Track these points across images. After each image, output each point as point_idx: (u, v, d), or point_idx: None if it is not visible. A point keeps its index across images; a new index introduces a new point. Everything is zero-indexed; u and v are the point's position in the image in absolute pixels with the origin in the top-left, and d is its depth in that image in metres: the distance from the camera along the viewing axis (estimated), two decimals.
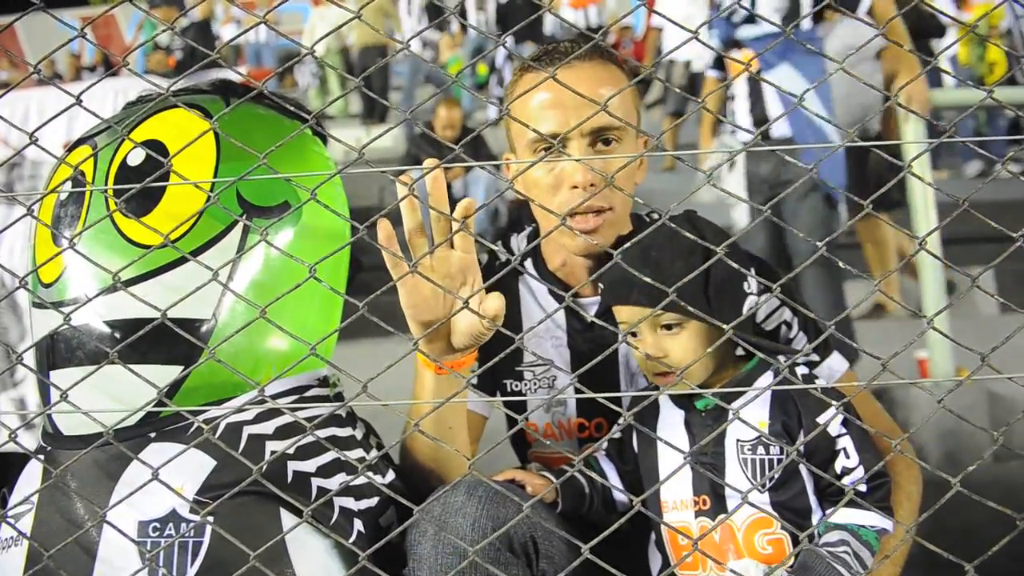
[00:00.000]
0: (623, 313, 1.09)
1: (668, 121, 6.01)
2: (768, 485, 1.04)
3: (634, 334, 1.09)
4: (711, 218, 1.15)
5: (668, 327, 1.06)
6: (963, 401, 2.90)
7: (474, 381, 1.21)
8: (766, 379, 1.07)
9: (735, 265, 0.86)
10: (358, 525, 1.00)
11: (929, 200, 3.12)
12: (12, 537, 0.98)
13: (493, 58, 7.53)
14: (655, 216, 1.26)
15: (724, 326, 0.80)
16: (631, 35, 8.63)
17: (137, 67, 7.70)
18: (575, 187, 1.15)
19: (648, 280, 0.85)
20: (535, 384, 1.27)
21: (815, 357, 1.19)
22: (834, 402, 0.91)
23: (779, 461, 1.03)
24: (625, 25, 8.48)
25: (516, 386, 1.28)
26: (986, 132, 5.66)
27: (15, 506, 0.98)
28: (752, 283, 1.08)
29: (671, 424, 1.10)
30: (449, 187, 5.63)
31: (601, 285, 1.11)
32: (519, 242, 1.33)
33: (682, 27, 0.92)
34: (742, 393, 1.05)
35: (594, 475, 0.95)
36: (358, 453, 1.04)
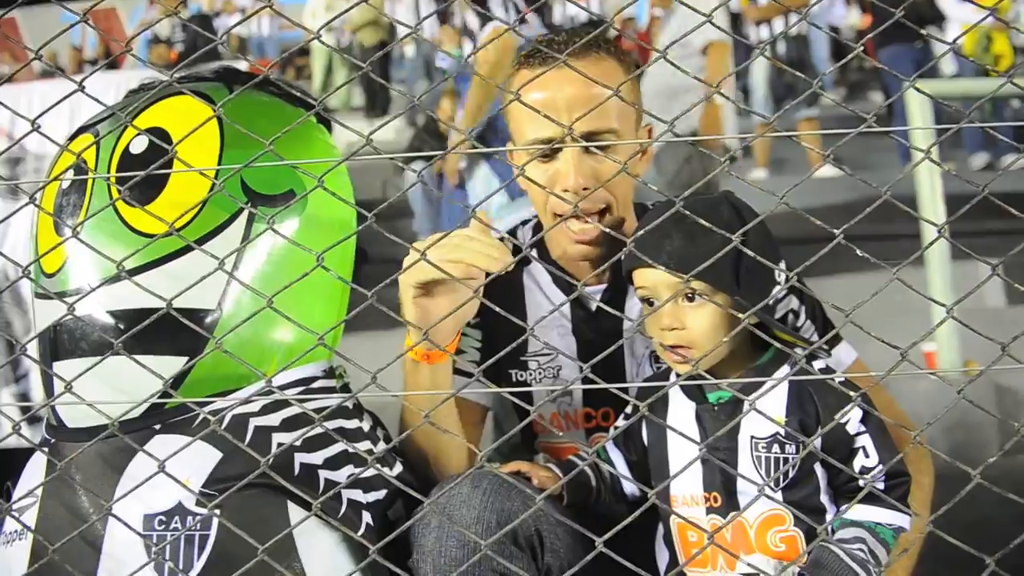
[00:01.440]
0: (646, 277, 1.04)
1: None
2: (783, 483, 1.01)
3: (651, 303, 1.04)
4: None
5: (691, 298, 1.01)
6: (971, 394, 2.88)
7: (480, 376, 1.20)
8: (782, 373, 1.04)
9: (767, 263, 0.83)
10: (366, 518, 0.99)
11: (937, 192, 3.10)
12: (17, 531, 0.97)
13: None
14: (658, 204, 1.24)
15: (736, 312, 0.78)
16: (634, 26, 8.58)
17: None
18: (566, 190, 1.13)
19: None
20: (540, 373, 1.25)
21: (823, 346, 1.17)
22: (862, 405, 0.86)
23: (795, 460, 0.99)
24: (628, 16, 8.43)
25: (521, 375, 1.27)
26: (995, 120, 5.62)
27: (19, 499, 0.97)
28: (782, 276, 1.04)
29: (682, 417, 1.06)
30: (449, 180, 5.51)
31: (622, 254, 1.06)
32: (524, 233, 1.32)
33: (695, 10, 0.90)
34: (756, 386, 1.01)
35: (602, 465, 0.93)
36: (366, 445, 1.03)
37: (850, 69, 7.75)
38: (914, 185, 3.16)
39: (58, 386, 0.93)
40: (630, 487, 1.12)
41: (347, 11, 0.95)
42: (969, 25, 0.97)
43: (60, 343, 1.02)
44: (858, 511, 0.99)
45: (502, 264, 0.99)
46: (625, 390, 1.18)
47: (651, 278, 1.04)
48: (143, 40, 8.63)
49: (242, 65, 1.23)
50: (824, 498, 1.03)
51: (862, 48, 0.82)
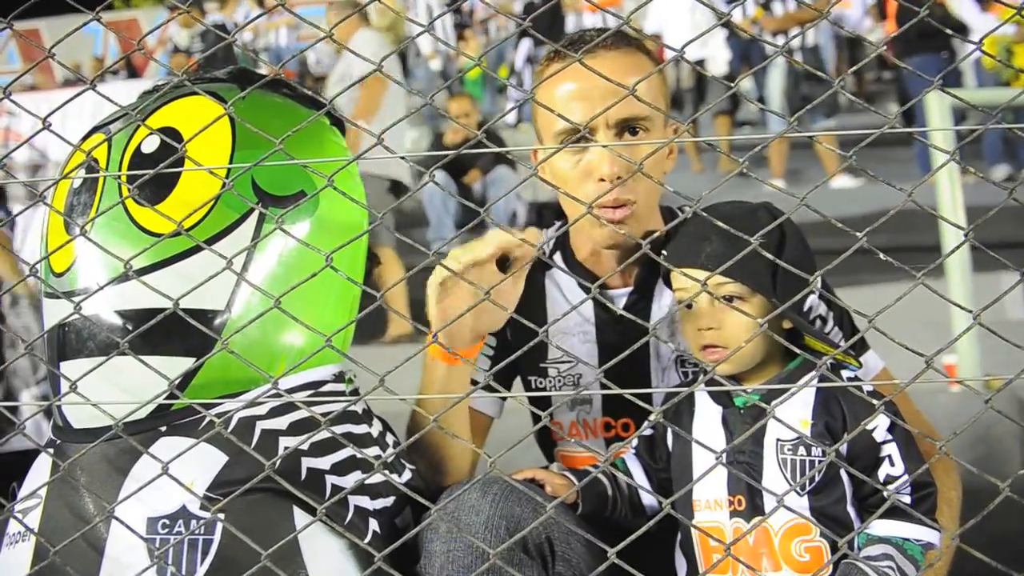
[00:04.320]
0: (685, 280, 1.05)
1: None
2: (809, 487, 0.99)
3: (689, 306, 1.05)
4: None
5: (730, 299, 1.02)
6: (994, 407, 2.83)
7: (489, 380, 1.20)
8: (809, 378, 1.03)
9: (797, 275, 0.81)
10: (373, 525, 0.97)
11: (958, 202, 3.06)
12: (20, 532, 0.96)
13: (513, 61, 7.52)
14: (687, 209, 1.22)
15: (755, 318, 0.76)
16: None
17: (159, 69, 7.77)
18: (601, 180, 1.12)
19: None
20: (560, 381, 1.23)
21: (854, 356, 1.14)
22: (886, 412, 0.85)
23: (821, 463, 0.98)
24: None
25: (540, 383, 1.25)
26: (1015, 134, 5.55)
27: (22, 500, 0.96)
28: (818, 285, 1.04)
29: (708, 421, 1.05)
30: (469, 188, 5.52)
31: (664, 252, 1.07)
32: (548, 236, 1.30)
33: (713, 8, 0.88)
34: (783, 391, 1.00)
35: (620, 475, 0.91)
36: (374, 451, 1.01)
37: (868, 80, 7.70)
38: (935, 196, 3.13)
39: (64, 386, 0.91)
40: (649, 499, 1.10)
41: (354, 13, 0.93)
42: (992, 34, 0.95)
43: (68, 343, 1.01)
44: (885, 526, 0.97)
45: (531, 249, 1.04)
46: (645, 399, 1.16)
47: (690, 281, 1.04)
48: (163, 52, 8.73)
49: (260, 69, 1.22)
50: (851, 509, 1.01)
51: (881, 50, 0.81)
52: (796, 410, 1.00)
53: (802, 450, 0.99)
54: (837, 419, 1.00)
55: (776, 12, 5.50)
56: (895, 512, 0.95)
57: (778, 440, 1.00)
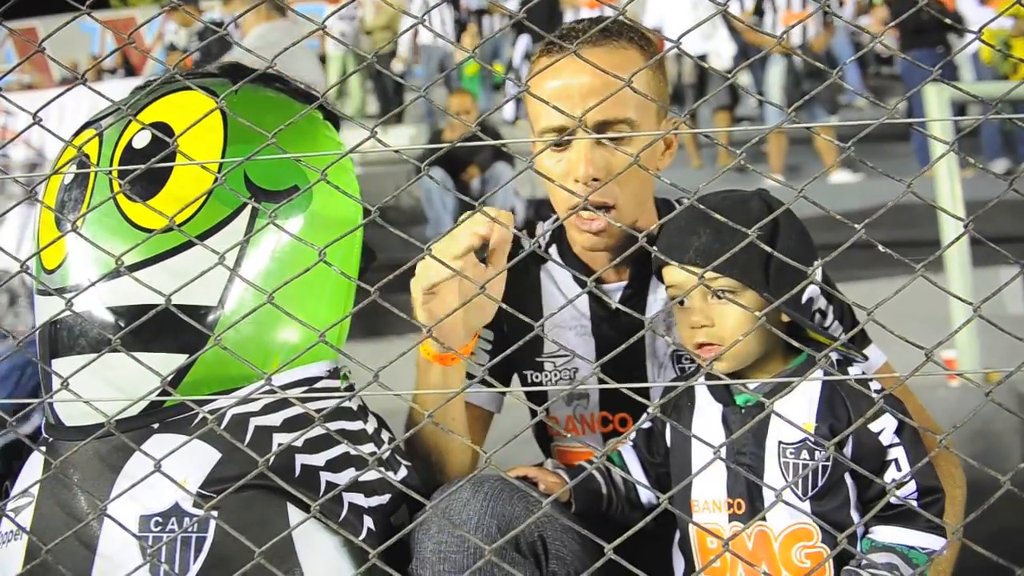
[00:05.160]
0: (674, 275, 1.02)
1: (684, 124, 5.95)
2: (812, 492, 0.96)
3: (681, 303, 1.02)
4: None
5: (720, 295, 0.98)
6: (991, 403, 2.82)
7: (485, 376, 1.18)
8: (812, 377, 0.99)
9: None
10: (368, 522, 0.96)
11: (957, 196, 3.06)
12: (12, 531, 0.95)
13: (511, 58, 7.51)
14: (685, 201, 1.21)
15: (756, 312, 0.74)
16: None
17: (156, 68, 7.76)
18: (577, 181, 1.10)
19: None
20: (556, 375, 1.23)
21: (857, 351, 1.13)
22: (888, 407, 0.82)
23: (824, 468, 0.95)
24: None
25: (536, 377, 1.24)
26: (1014, 127, 5.54)
27: (14, 498, 0.95)
28: (818, 275, 1.01)
29: (707, 419, 1.03)
30: (467, 185, 5.53)
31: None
32: (543, 228, 1.30)
33: (713, 0, 0.87)
34: (785, 389, 0.97)
35: (616, 470, 0.89)
36: (369, 448, 1.01)
37: (868, 75, 7.69)
38: (934, 190, 3.12)
39: (56, 383, 0.91)
40: (647, 494, 1.08)
41: (350, 2, 0.92)
42: (990, 26, 0.94)
43: (59, 340, 1.00)
44: (890, 533, 0.94)
45: (497, 228, 0.99)
46: (642, 393, 1.15)
47: (679, 276, 1.01)
48: (161, 50, 8.72)
49: (248, 59, 1.21)
50: (854, 513, 0.98)
51: (879, 40, 0.80)
52: (799, 412, 0.97)
53: (805, 454, 0.96)
54: (842, 422, 0.96)
55: (766, 21, 5.46)
56: (900, 518, 0.93)
57: (780, 443, 0.97)
